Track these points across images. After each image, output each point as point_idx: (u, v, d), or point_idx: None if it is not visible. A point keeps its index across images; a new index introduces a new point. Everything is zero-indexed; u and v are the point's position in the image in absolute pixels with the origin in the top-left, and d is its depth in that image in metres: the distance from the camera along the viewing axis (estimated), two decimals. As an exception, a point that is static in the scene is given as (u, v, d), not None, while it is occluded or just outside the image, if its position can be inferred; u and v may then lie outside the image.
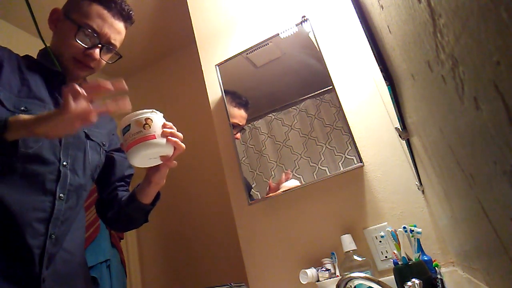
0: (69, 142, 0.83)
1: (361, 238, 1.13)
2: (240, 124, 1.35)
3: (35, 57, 0.91)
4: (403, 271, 0.85)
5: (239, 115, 1.36)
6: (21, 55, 0.89)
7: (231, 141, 1.41)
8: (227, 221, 1.84)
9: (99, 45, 0.87)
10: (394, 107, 0.75)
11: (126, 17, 0.93)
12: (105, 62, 0.92)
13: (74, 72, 0.88)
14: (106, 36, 0.88)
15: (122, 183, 1.00)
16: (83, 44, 0.85)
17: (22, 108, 0.76)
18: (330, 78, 1.26)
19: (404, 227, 0.89)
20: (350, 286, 0.81)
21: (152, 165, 0.83)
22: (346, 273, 0.85)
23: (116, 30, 0.90)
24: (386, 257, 1.09)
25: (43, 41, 0.84)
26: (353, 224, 1.17)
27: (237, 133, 1.36)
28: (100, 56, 0.88)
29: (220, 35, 1.61)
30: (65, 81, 0.88)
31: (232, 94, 1.43)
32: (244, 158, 1.36)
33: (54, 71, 0.86)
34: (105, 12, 0.88)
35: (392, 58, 0.58)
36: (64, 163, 0.81)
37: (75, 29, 0.85)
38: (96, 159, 0.92)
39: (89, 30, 0.85)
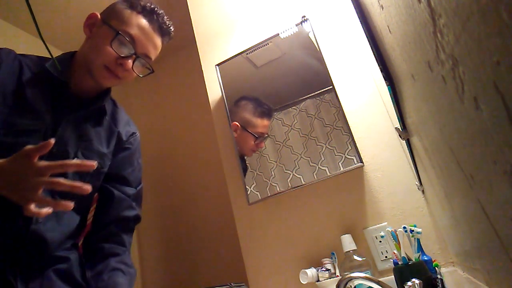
0: None
1: (361, 238, 1.13)
2: (264, 132, 1.29)
3: (43, 56, 0.87)
4: (403, 271, 0.85)
5: (262, 125, 1.31)
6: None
7: (231, 141, 1.41)
8: (227, 221, 1.84)
9: (134, 56, 0.83)
10: (394, 107, 0.75)
11: (166, 33, 0.90)
12: (135, 75, 0.87)
13: (99, 81, 0.83)
14: (142, 48, 0.84)
15: (119, 225, 0.90)
16: (117, 52, 0.81)
17: (10, 121, 0.72)
18: (330, 78, 1.26)
19: (404, 227, 0.89)
20: (350, 286, 0.81)
21: None
22: (346, 273, 0.85)
23: (154, 44, 0.86)
24: (386, 257, 1.09)
25: (43, 41, 0.83)
26: (353, 224, 1.17)
27: (261, 142, 1.30)
28: (132, 67, 0.83)
29: (220, 35, 1.61)
30: (69, 91, 0.83)
31: (253, 101, 1.37)
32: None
33: (58, 80, 0.82)
34: (146, 24, 0.85)
35: (392, 58, 0.58)
36: None
37: (112, 35, 0.81)
38: None
39: (127, 39, 0.81)
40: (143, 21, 0.84)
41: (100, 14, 0.87)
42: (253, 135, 1.31)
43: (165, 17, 0.89)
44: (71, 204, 0.64)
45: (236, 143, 1.36)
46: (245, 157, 1.35)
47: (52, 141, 0.63)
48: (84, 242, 0.91)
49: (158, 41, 0.88)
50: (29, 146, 0.63)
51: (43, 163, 0.63)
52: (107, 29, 0.82)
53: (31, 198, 0.63)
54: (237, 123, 1.36)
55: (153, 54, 0.88)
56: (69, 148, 0.81)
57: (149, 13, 0.86)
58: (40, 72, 0.82)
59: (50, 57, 0.85)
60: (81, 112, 0.85)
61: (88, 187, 0.64)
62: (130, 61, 0.82)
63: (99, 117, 0.90)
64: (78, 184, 0.64)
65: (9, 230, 0.73)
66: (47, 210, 0.64)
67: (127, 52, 0.82)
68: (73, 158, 0.83)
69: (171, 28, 0.91)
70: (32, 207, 0.63)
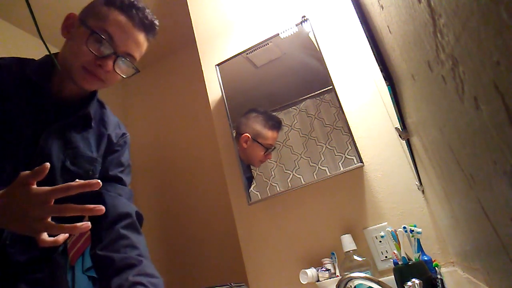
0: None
1: (361, 238, 1.13)
2: (273, 144, 1.32)
3: (25, 59, 0.82)
4: (403, 271, 0.85)
5: (272, 137, 1.33)
6: (21, 55, 0.85)
7: (231, 141, 1.41)
8: (227, 221, 1.84)
9: (114, 55, 0.76)
10: (394, 107, 0.75)
11: (149, 28, 0.82)
12: (120, 77, 0.81)
13: (81, 84, 0.78)
14: (122, 46, 0.77)
15: (123, 224, 0.82)
16: (94, 52, 0.74)
17: None
18: (330, 78, 1.26)
19: (404, 227, 0.89)
20: (350, 286, 0.81)
21: None
22: (346, 273, 0.85)
23: (135, 40, 0.79)
24: (386, 257, 1.09)
25: (43, 41, 0.82)
26: (353, 224, 1.17)
27: (269, 153, 1.32)
28: (113, 68, 0.77)
29: (220, 35, 1.61)
30: (51, 97, 0.79)
31: (263, 114, 1.39)
32: (244, 158, 1.36)
33: (39, 87, 0.77)
34: (124, 20, 0.77)
35: (392, 58, 0.58)
36: None
37: (87, 34, 0.75)
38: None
39: (103, 37, 0.75)
40: (121, 17, 0.77)
41: (78, 14, 0.81)
42: (264, 147, 1.33)
43: (147, 11, 0.82)
44: (88, 224, 0.61)
45: (245, 154, 1.37)
46: (251, 166, 1.36)
47: (48, 165, 0.58)
48: (91, 254, 0.83)
49: (140, 37, 0.80)
50: (24, 173, 0.59)
51: (44, 189, 0.59)
52: (83, 28, 0.76)
53: (40, 229, 0.59)
54: (248, 134, 1.37)
55: (137, 52, 0.81)
56: (54, 159, 0.77)
57: (127, 8, 0.78)
58: (20, 78, 0.77)
59: (32, 58, 0.82)
60: (64, 120, 0.81)
61: (102, 207, 0.61)
62: (110, 61, 0.76)
63: (85, 123, 0.86)
64: (90, 206, 0.60)
65: None
66: (64, 236, 0.61)
67: (106, 51, 0.75)
68: (61, 169, 0.79)
69: (154, 22, 0.83)
70: (45, 237, 0.59)
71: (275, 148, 1.32)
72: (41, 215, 0.59)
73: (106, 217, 0.81)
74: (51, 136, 0.77)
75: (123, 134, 0.97)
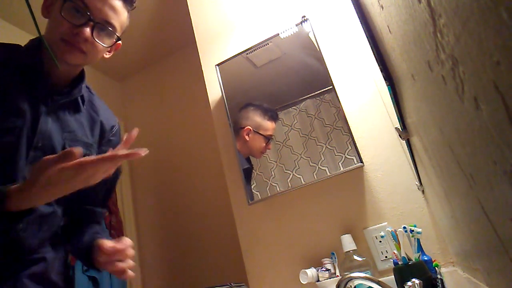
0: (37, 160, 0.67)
1: (361, 238, 1.13)
2: (272, 135, 1.36)
3: (8, 44, 0.83)
4: (403, 271, 0.85)
5: (272, 127, 1.37)
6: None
7: (231, 141, 1.41)
8: (227, 221, 1.84)
9: (91, 23, 0.75)
10: (394, 107, 0.75)
11: None
12: (102, 47, 0.79)
13: (62, 58, 0.76)
14: (99, 13, 0.76)
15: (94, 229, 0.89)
16: (69, 21, 0.74)
17: None
18: (330, 78, 1.26)
19: (404, 227, 0.90)
20: (350, 286, 0.82)
21: None
22: (346, 273, 0.85)
23: (112, 7, 0.78)
24: (386, 257, 1.09)
25: (43, 40, 0.82)
26: (353, 224, 1.17)
27: (270, 143, 1.36)
28: (93, 36, 0.75)
29: (220, 35, 1.61)
30: (44, 80, 0.79)
31: (261, 107, 1.42)
32: (244, 158, 1.36)
33: (33, 70, 0.78)
34: None
35: (392, 58, 0.58)
36: None
37: (61, 4, 0.74)
38: None
39: (75, 2, 0.74)
40: None
41: None
42: (265, 137, 1.36)
43: None
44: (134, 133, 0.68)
45: (247, 146, 1.39)
46: (250, 158, 1.38)
47: (79, 150, 0.59)
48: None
49: (116, 4, 0.79)
50: (48, 157, 0.58)
51: (82, 162, 0.58)
52: (59, 1, 0.75)
53: (99, 178, 0.62)
54: (249, 127, 1.40)
55: (115, 20, 0.80)
56: (54, 141, 0.78)
57: None
58: (13, 63, 0.78)
59: (16, 43, 0.83)
60: (57, 102, 0.81)
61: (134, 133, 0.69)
62: (87, 29, 0.74)
63: (76, 105, 0.86)
64: (132, 151, 0.62)
65: None
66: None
67: (82, 19, 0.75)
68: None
69: None
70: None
71: (273, 138, 1.36)
72: (92, 175, 0.61)
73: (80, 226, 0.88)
74: (50, 118, 0.78)
75: (115, 125, 0.97)
